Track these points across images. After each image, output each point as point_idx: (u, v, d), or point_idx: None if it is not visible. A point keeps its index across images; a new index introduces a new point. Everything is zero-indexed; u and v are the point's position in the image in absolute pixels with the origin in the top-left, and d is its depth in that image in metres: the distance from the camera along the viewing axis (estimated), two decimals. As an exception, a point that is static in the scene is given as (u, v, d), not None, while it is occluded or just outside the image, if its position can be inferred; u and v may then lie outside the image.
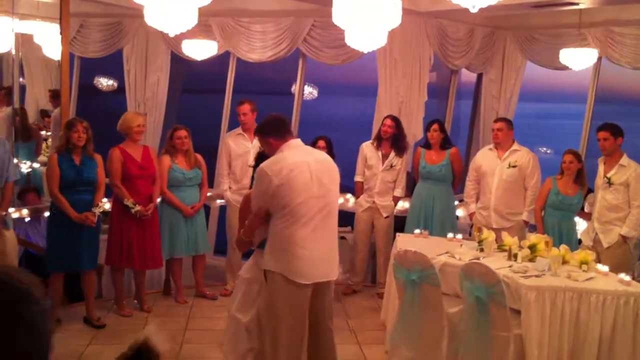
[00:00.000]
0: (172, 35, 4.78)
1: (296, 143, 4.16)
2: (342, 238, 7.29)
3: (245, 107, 6.83)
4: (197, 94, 17.09)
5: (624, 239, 6.00)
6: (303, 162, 4.03)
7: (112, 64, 9.24)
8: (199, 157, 6.70)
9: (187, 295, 6.85)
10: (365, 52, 7.00)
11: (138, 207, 6.05)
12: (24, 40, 7.82)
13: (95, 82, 10.25)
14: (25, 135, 7.63)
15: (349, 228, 7.58)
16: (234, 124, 7.43)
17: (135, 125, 6.17)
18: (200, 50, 7.68)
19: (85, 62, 8.95)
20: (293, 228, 3.98)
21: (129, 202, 6.03)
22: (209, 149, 7.10)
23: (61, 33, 6.56)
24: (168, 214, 6.59)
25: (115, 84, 10.02)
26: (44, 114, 8.29)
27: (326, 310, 4.15)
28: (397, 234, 6.39)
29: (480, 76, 8.85)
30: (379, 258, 7.25)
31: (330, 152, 6.95)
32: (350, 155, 7.31)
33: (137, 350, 1.06)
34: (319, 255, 4.05)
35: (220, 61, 8.60)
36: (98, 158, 5.93)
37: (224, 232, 7.33)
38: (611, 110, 6.23)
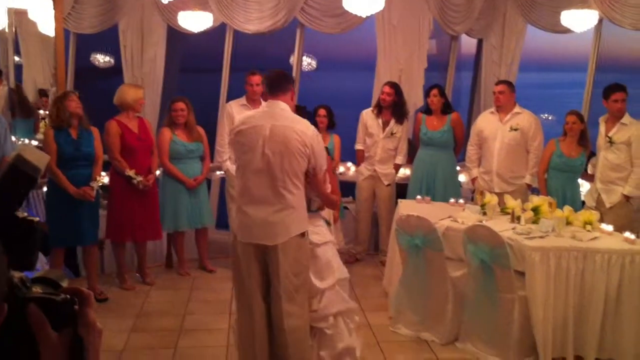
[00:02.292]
0: (165, 1, 4.69)
1: (270, 104, 4.09)
2: (345, 208, 7.26)
3: (259, 78, 6.73)
4: (195, 73, 17.00)
5: (627, 198, 5.94)
6: (260, 126, 3.97)
7: (108, 41, 9.14)
8: (200, 130, 6.62)
9: (189, 268, 6.83)
10: (364, 16, 6.95)
11: (140, 178, 5.99)
12: (19, 17, 7.73)
13: (92, 58, 10.15)
14: (24, 111, 7.56)
15: (350, 198, 7.53)
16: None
17: (138, 99, 6.12)
18: (196, 22, 7.56)
19: (81, 42, 8.85)
20: (240, 183, 4.10)
21: (130, 172, 5.97)
22: (207, 127, 7.00)
23: (55, 8, 6.47)
24: (170, 187, 6.54)
25: (112, 60, 9.92)
26: (42, 93, 8.22)
27: (275, 276, 3.98)
28: (399, 200, 6.35)
29: (480, 42, 8.72)
30: (381, 226, 7.21)
31: (331, 121, 6.90)
32: (349, 130, 7.26)
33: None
34: (253, 220, 3.99)
35: (217, 38, 8.50)
36: (95, 131, 5.87)
37: (225, 205, 7.28)
38: (613, 78, 6.13)
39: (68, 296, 0.98)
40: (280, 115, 4.01)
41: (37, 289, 0.99)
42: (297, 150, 3.91)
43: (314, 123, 4.67)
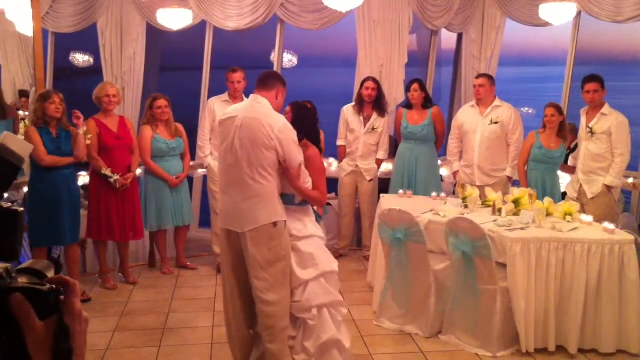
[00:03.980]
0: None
1: (251, 98, 4.27)
2: (327, 204, 7.25)
3: (240, 75, 6.73)
4: (174, 71, 16.90)
5: (608, 188, 6.00)
6: (235, 117, 4.15)
7: (87, 41, 9.06)
8: (179, 126, 6.61)
9: (172, 266, 6.81)
10: (344, 12, 6.95)
11: (116, 177, 5.97)
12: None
13: (71, 58, 10.05)
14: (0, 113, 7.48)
15: (332, 194, 7.54)
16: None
17: (104, 95, 6.08)
18: (175, 19, 7.53)
19: (59, 42, 8.77)
20: (219, 170, 4.50)
21: (107, 171, 5.95)
22: (188, 125, 6.97)
23: (32, 8, 6.42)
24: (153, 186, 6.51)
25: (92, 60, 9.83)
26: (23, 94, 8.14)
27: (247, 263, 4.15)
28: (382, 195, 6.37)
29: (460, 36, 8.76)
30: (364, 222, 7.23)
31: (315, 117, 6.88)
32: (330, 127, 7.25)
33: None
34: (227, 207, 4.23)
35: (196, 36, 8.46)
36: (73, 131, 5.83)
37: (208, 202, 7.25)
38: (592, 71, 6.18)
39: (54, 286, 0.98)
40: (255, 109, 4.15)
41: (22, 280, 0.99)
42: (262, 142, 4.03)
43: (316, 120, 4.66)
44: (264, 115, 4.10)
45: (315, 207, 4.48)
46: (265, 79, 4.27)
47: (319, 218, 4.51)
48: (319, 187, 4.27)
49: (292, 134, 4.12)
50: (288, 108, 4.56)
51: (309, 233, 4.27)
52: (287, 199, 4.22)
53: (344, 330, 4.38)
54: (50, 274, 1.02)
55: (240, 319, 4.32)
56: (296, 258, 4.22)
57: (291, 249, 4.20)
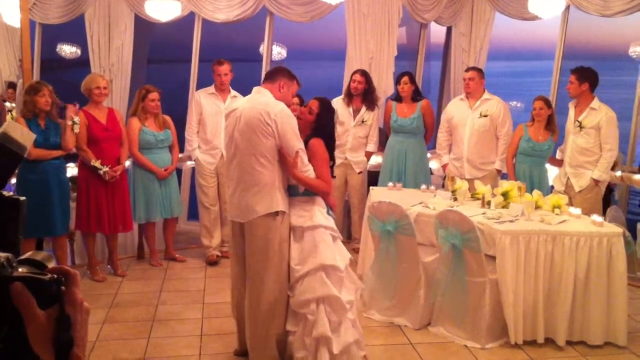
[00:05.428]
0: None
1: (254, 90, 4.33)
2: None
3: (226, 68, 6.71)
4: (161, 63, 16.81)
5: (596, 182, 6.03)
6: (236, 109, 4.26)
7: (75, 32, 8.99)
8: (167, 118, 6.58)
9: (161, 259, 6.80)
10: (334, 4, 6.94)
11: (106, 168, 5.95)
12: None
13: (58, 49, 9.97)
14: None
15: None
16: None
17: (94, 87, 6.05)
18: (163, 11, 7.49)
19: (47, 33, 8.70)
20: (225, 161, 4.60)
21: (96, 163, 5.92)
22: (176, 117, 6.94)
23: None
24: (141, 178, 6.48)
25: (79, 51, 9.76)
26: (11, 86, 8.08)
27: (247, 251, 4.23)
28: (371, 187, 6.38)
29: (449, 30, 8.77)
30: (353, 214, 7.24)
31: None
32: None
33: None
34: (230, 198, 4.32)
35: (184, 28, 8.42)
36: (62, 123, 5.81)
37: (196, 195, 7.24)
38: (580, 64, 6.21)
39: (55, 276, 0.98)
40: (255, 99, 4.23)
41: (23, 270, 0.98)
42: (260, 128, 4.06)
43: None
44: (262, 103, 4.15)
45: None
46: (270, 72, 4.40)
47: (330, 210, 4.40)
48: (322, 176, 4.24)
49: (291, 120, 4.12)
50: (296, 99, 4.58)
51: (315, 223, 4.21)
52: (292, 190, 4.24)
53: (347, 331, 4.19)
54: (51, 264, 1.02)
55: (244, 306, 4.36)
56: (298, 249, 4.20)
57: (294, 240, 4.20)
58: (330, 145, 4.42)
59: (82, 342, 0.98)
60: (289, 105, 4.30)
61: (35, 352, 0.96)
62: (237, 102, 4.56)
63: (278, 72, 4.35)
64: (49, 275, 0.97)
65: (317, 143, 4.28)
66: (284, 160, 4.10)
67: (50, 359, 0.95)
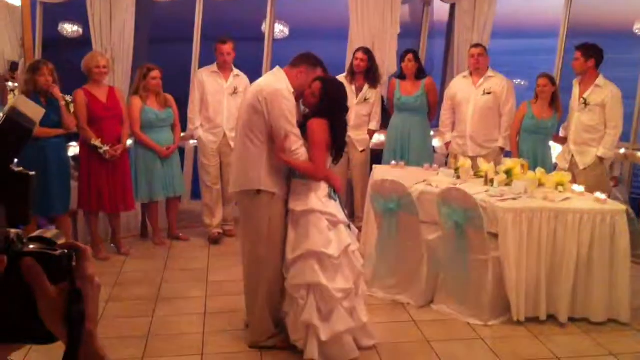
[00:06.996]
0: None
1: (273, 70, 4.43)
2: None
3: (229, 47, 6.68)
4: (163, 43, 16.67)
5: (600, 160, 6.01)
6: (254, 84, 4.43)
7: (76, 11, 8.94)
8: (168, 97, 6.55)
9: (164, 237, 6.81)
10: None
11: (106, 147, 5.93)
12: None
13: (59, 28, 9.91)
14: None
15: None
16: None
17: (94, 66, 6.02)
18: (165, -12, 7.45)
19: (48, 11, 8.64)
20: None
21: (96, 142, 5.91)
22: (179, 96, 6.90)
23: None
24: (143, 157, 6.47)
25: (81, 30, 9.70)
26: (13, 66, 8.03)
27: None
28: (374, 165, 6.36)
29: (453, 7, 8.70)
30: (356, 192, 7.21)
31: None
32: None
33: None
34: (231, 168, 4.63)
35: (187, 7, 8.35)
36: (60, 100, 5.79)
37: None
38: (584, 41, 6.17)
39: (65, 251, 0.97)
40: (265, 78, 4.41)
41: (34, 246, 0.98)
42: (253, 105, 4.13)
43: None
44: (264, 82, 4.26)
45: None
46: (296, 56, 4.39)
47: (334, 195, 4.27)
48: (313, 158, 4.13)
49: (283, 101, 4.09)
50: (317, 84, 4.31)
51: (309, 208, 4.13)
52: (293, 173, 4.25)
53: (339, 320, 4.15)
54: (61, 241, 1.01)
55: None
56: (291, 233, 4.21)
57: (291, 224, 4.22)
58: (339, 127, 4.29)
59: (93, 317, 0.99)
60: (304, 91, 4.26)
61: (47, 327, 0.96)
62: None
63: (302, 59, 4.34)
64: (60, 250, 0.97)
65: (316, 123, 4.16)
66: (275, 142, 4.12)
67: (62, 333, 0.95)
